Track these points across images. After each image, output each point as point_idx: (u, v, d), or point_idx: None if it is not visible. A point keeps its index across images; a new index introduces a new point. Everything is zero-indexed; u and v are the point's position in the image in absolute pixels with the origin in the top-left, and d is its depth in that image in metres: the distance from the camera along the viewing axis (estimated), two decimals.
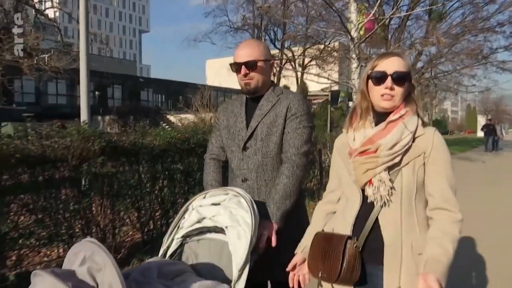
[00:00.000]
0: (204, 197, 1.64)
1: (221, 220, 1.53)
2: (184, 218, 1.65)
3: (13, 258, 3.04)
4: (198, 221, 1.60)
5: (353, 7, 11.43)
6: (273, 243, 1.62)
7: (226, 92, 34.49)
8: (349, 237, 1.40)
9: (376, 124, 1.45)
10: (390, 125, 1.40)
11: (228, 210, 1.54)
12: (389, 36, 15.94)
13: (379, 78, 1.42)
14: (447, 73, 15.45)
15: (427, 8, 13.80)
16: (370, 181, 1.39)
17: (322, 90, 15.00)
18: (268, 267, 1.70)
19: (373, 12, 11.53)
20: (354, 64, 11.34)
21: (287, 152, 1.77)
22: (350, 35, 11.02)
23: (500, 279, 3.47)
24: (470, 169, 12.44)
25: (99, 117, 27.89)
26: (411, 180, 1.38)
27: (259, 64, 1.80)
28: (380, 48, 16.45)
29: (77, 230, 3.47)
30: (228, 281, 1.44)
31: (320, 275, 1.42)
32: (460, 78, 16.37)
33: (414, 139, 1.39)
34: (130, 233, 4.03)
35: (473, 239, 4.51)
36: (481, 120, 31.02)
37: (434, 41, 12.78)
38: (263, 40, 23.74)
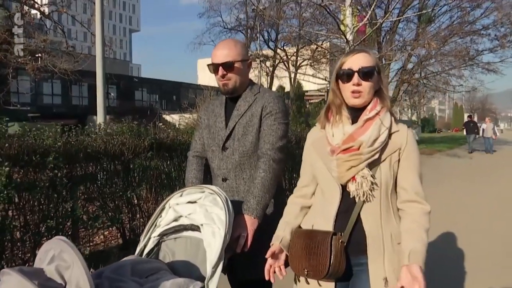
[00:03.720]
0: (181, 195, 1.64)
1: (197, 218, 1.54)
2: (161, 216, 1.65)
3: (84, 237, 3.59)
4: (175, 219, 1.61)
5: (348, 11, 12.06)
6: (248, 244, 1.63)
7: (219, 91, 34.89)
8: (334, 233, 1.41)
9: (353, 120, 1.47)
10: (368, 123, 1.43)
11: (204, 208, 1.55)
12: (381, 38, 16.68)
13: (347, 75, 1.44)
14: (436, 74, 16.22)
15: (417, 13, 14.49)
16: (353, 178, 1.41)
17: (319, 90, 15.64)
18: (252, 266, 1.73)
19: (367, 16, 12.18)
20: None
21: (262, 147, 1.78)
22: (346, 38, 11.64)
23: (475, 259, 4.04)
24: (459, 165, 13.22)
25: (94, 117, 28.23)
26: (388, 175, 1.43)
27: (236, 65, 1.80)
28: (372, 49, 17.19)
29: (129, 216, 4.02)
30: (203, 278, 1.45)
31: (306, 272, 1.43)
32: (448, 78, 17.19)
33: (390, 135, 1.44)
34: None
35: (452, 225, 5.14)
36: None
37: (424, 43, 13.55)
38: (258, 40, 24.31)
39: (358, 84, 1.43)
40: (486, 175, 10.69)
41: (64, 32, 13.97)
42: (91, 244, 3.77)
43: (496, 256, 4.09)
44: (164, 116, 28.96)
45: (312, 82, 14.84)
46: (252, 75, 25.59)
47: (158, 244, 1.64)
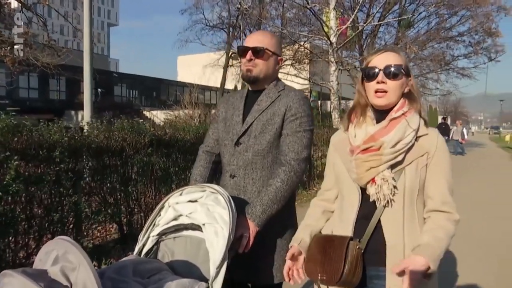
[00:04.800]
0: (181, 194, 1.61)
1: (198, 217, 1.51)
2: (160, 215, 1.62)
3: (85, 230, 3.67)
4: (175, 219, 1.58)
5: (332, 14, 12.36)
6: (248, 246, 1.58)
7: (199, 89, 34.86)
8: (351, 238, 1.35)
9: (377, 121, 1.40)
10: (392, 122, 1.35)
11: (205, 207, 1.51)
12: (363, 42, 17.15)
13: (371, 74, 1.38)
14: (415, 77, 16.81)
15: (398, 18, 15.03)
16: (372, 180, 1.34)
17: (302, 90, 15.97)
18: (253, 270, 1.68)
19: (350, 20, 12.53)
20: (333, 67, 12.30)
21: (286, 155, 1.68)
22: (330, 40, 11.93)
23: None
24: None
25: (72, 112, 27.64)
26: (413, 179, 1.34)
27: (267, 52, 1.73)
28: (353, 51, 17.64)
29: (128, 210, 4.12)
30: (204, 278, 1.43)
31: (319, 277, 1.36)
32: (426, 81, 17.89)
33: (417, 138, 1.35)
34: None
35: None
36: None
37: (404, 47, 14.06)
38: (241, 39, 24.42)
39: (383, 82, 1.36)
40: (458, 176, 11.04)
41: (46, 25, 13.67)
42: (89, 237, 3.85)
43: (471, 259, 4.17)
44: (144, 112, 28.67)
45: (296, 82, 15.08)
46: (233, 74, 25.81)
47: (157, 244, 1.62)
